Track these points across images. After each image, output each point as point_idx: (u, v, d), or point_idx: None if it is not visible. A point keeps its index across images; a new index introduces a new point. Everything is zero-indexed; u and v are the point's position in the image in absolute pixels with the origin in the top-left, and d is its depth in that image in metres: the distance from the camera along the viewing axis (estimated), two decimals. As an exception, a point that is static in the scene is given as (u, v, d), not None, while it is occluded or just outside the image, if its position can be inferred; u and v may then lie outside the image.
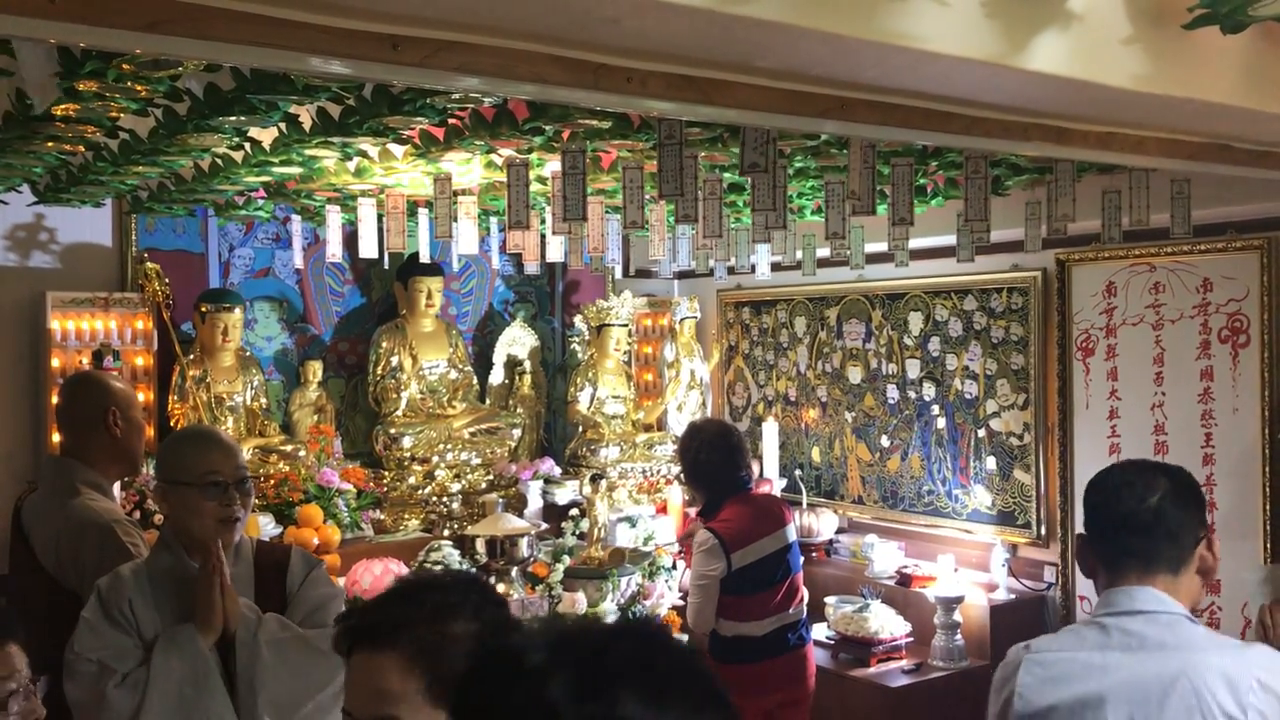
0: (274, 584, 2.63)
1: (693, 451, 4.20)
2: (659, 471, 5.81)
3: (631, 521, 5.24)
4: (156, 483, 2.65)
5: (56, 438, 3.26)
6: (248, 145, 3.28)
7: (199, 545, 2.53)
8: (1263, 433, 4.08)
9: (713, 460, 4.14)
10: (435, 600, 1.54)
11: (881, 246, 4.06)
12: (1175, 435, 4.35)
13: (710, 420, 4.69)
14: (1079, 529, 4.64)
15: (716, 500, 4.15)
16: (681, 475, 4.48)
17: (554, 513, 5.38)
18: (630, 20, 1.89)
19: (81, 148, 3.39)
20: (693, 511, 5.47)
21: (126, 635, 2.44)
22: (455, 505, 5.39)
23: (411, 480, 5.35)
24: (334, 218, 4.26)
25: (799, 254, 4.70)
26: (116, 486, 3.30)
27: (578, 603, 4.34)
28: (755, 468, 4.97)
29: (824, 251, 4.59)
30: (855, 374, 5.60)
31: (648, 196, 3.37)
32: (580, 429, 5.89)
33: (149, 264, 4.84)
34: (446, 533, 5.19)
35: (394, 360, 5.49)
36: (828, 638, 4.78)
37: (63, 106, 2.76)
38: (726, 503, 4.11)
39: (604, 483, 5.22)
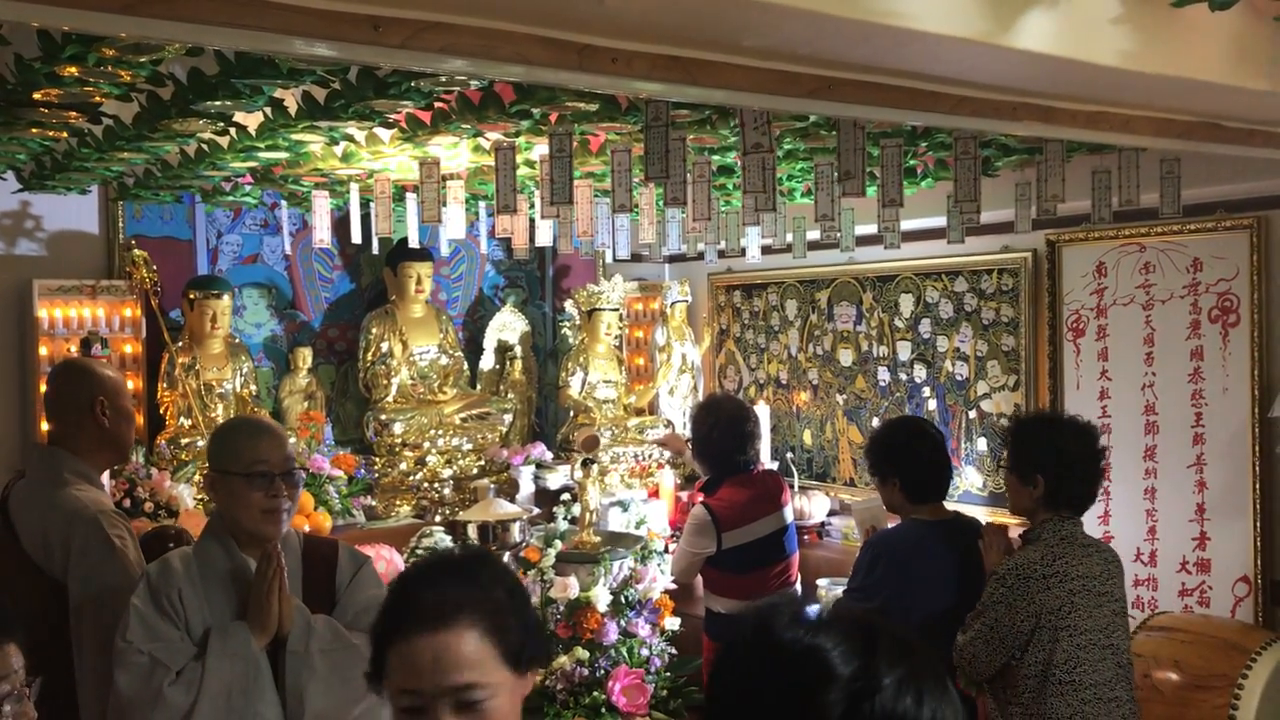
0: (322, 579, 2.62)
1: (706, 427, 4.28)
2: (650, 456, 5.80)
3: (623, 505, 5.24)
4: (207, 471, 2.66)
5: (45, 426, 3.23)
6: (233, 130, 3.26)
7: (248, 536, 2.52)
8: (1253, 412, 4.08)
9: (724, 441, 4.22)
10: (471, 575, 1.65)
11: (872, 229, 4.05)
12: (1165, 415, 4.35)
13: (730, 399, 4.67)
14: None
15: (718, 477, 4.23)
16: (690, 446, 4.52)
17: (546, 497, 5.37)
18: (614, -1, 1.88)
19: (65, 134, 3.37)
20: (685, 496, 5.48)
21: (175, 627, 2.43)
22: (447, 491, 5.39)
23: (403, 466, 5.34)
24: (321, 203, 4.24)
25: (789, 237, 4.69)
26: (105, 475, 3.28)
27: (570, 587, 4.34)
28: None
29: (814, 234, 4.58)
30: (846, 356, 5.60)
31: (636, 180, 3.35)
32: (572, 414, 5.89)
33: (136, 251, 4.81)
34: (438, 518, 5.18)
35: (384, 346, 5.48)
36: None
37: (45, 91, 2.74)
38: (727, 480, 4.17)
39: (595, 467, 5.21)
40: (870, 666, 1.07)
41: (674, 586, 4.58)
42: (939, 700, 1.09)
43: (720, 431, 4.23)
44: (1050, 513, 3.12)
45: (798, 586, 4.28)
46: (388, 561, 4.51)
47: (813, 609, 1.16)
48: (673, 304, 6.15)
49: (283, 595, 2.45)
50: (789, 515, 4.27)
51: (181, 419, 4.87)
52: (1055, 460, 3.11)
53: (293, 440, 4.90)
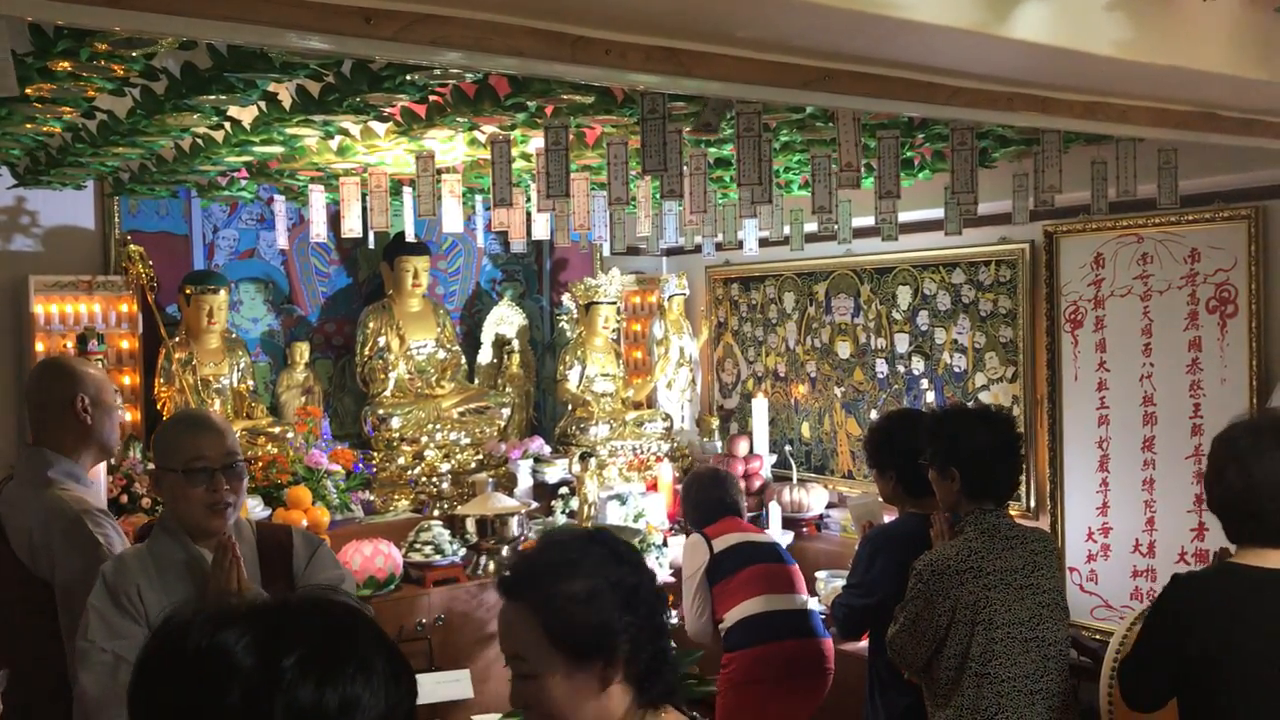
0: (279, 566, 2.61)
1: (689, 501, 4.56)
2: (649, 449, 5.80)
3: (621, 499, 5.24)
4: (152, 468, 2.64)
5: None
6: (228, 125, 3.25)
7: (197, 532, 2.51)
8: (1251, 403, 4.07)
9: (707, 499, 4.48)
10: (553, 558, 1.73)
11: (869, 221, 4.04)
12: (1164, 406, 4.35)
13: (701, 469, 5.00)
14: (1067, 499, 4.64)
15: (712, 520, 4.45)
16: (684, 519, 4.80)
17: (544, 491, 5.38)
18: (607, -10, 1.87)
19: (59, 129, 3.36)
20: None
21: (136, 624, 2.41)
22: (445, 485, 5.38)
23: (400, 461, 5.33)
24: (317, 197, 4.23)
25: (786, 229, 4.68)
26: (102, 470, 3.26)
27: (568, 581, 4.34)
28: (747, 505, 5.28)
29: (811, 226, 4.56)
30: (844, 349, 5.59)
31: (633, 172, 3.34)
32: (569, 407, 5.88)
33: (132, 246, 4.81)
34: (436, 513, 5.18)
35: (381, 340, 5.47)
36: (819, 613, 4.78)
37: (38, 86, 2.73)
38: (719, 520, 4.41)
39: (594, 461, 5.21)
40: (269, 659, 1.03)
41: (671, 579, 4.59)
42: (349, 681, 1.05)
43: (699, 491, 4.51)
44: (973, 505, 3.13)
45: (805, 598, 4.32)
46: (386, 556, 4.50)
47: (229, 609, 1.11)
48: (670, 297, 6.14)
49: (241, 585, 2.43)
50: (781, 542, 4.41)
51: (179, 414, 4.86)
52: (968, 453, 3.12)
53: (290, 435, 4.96)
